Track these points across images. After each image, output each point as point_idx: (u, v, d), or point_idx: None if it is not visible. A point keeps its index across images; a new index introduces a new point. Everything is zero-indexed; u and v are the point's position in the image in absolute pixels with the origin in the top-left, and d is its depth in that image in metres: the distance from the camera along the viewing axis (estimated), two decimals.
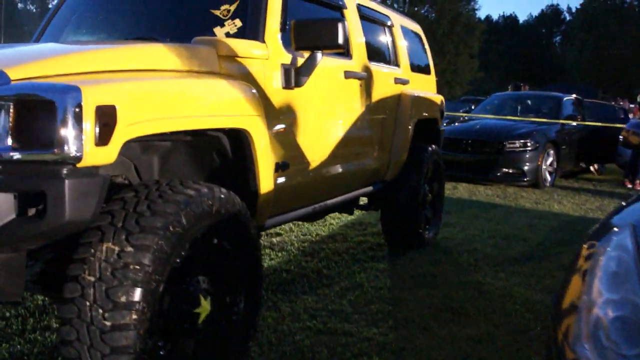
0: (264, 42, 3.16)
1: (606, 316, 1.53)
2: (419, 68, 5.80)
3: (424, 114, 5.47)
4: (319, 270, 4.64)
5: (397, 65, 5.21)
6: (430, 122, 5.72)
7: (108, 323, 2.08)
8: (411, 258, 5.10)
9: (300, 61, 3.32)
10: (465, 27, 42.98)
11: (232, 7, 3.29)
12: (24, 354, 3.04)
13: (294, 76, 3.26)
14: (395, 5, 42.58)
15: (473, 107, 16.88)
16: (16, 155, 2.02)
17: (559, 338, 1.56)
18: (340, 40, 3.17)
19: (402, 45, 5.35)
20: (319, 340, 3.29)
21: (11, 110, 2.01)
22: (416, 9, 42.36)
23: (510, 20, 69.59)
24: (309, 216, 4.02)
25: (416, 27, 6.12)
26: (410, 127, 5.10)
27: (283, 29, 3.33)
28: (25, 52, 2.61)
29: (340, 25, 3.16)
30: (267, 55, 3.14)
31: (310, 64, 3.27)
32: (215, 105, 2.69)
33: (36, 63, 2.24)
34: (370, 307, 3.85)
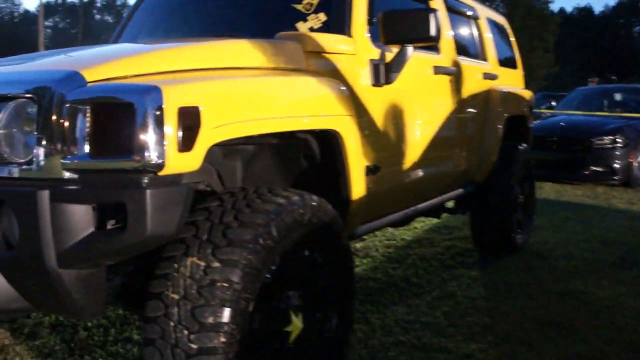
0: (351, 36, 2.94)
1: None
2: (506, 62, 5.46)
3: (514, 110, 5.13)
4: (407, 278, 4.39)
5: (485, 59, 4.91)
6: (519, 119, 5.37)
7: (194, 346, 1.89)
8: (503, 265, 4.78)
9: (389, 56, 3.09)
10: (538, 20, 41.73)
11: (315, 1, 3.08)
12: None
13: (383, 72, 3.03)
14: None
15: (554, 103, 16.20)
16: (94, 164, 1.86)
17: None
18: (433, 33, 2.92)
19: (489, 38, 5.04)
20: (413, 356, 3.05)
21: (88, 115, 1.86)
22: (487, 3, 41.50)
23: (585, 12, 67.23)
24: (400, 222, 3.78)
25: (501, 19, 5.79)
26: (500, 125, 4.79)
27: (370, 22, 3.10)
28: (101, 52, 2.48)
29: (432, 16, 2.92)
30: (355, 51, 2.92)
31: (400, 59, 3.03)
32: (304, 105, 2.48)
33: (113, 63, 2.08)
34: (465, 320, 3.57)
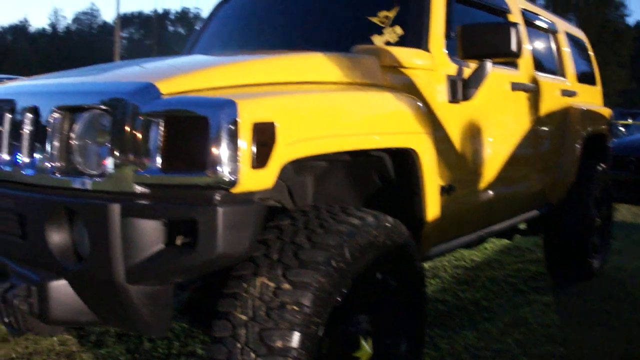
0: (428, 50, 2.84)
1: None
2: (584, 78, 5.23)
3: (593, 129, 4.90)
4: (477, 301, 4.22)
5: (564, 75, 4.71)
6: (598, 138, 5.13)
7: None
8: (578, 291, 4.55)
9: (467, 72, 2.97)
10: (613, 34, 40.48)
11: (392, 14, 2.99)
12: None
13: (461, 88, 2.91)
14: None
15: (630, 120, 15.60)
16: (166, 178, 1.82)
17: None
18: (514, 48, 2.80)
19: (568, 53, 4.84)
20: None
21: (161, 128, 1.82)
22: (559, 16, 40.45)
23: None
24: (473, 243, 3.63)
25: (580, 34, 5.56)
26: (578, 144, 4.57)
27: (448, 36, 2.99)
28: (175, 64, 2.45)
29: (514, 31, 2.79)
30: (432, 66, 2.81)
31: (479, 75, 2.91)
32: (380, 122, 2.39)
33: (187, 75, 2.04)
34: (540, 349, 3.39)
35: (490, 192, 3.38)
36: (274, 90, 2.10)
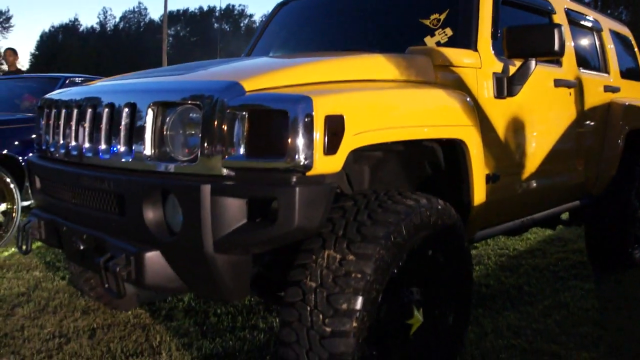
0: (476, 50, 3.08)
1: None
2: (629, 74, 5.36)
3: (636, 124, 5.03)
4: (519, 286, 4.44)
5: (607, 72, 4.86)
6: None
7: (328, 329, 2.10)
8: (619, 279, 4.70)
9: (512, 70, 3.19)
10: None
11: (442, 16, 3.24)
12: (235, 350, 3.20)
13: (507, 85, 3.14)
14: None
15: None
16: (249, 163, 2.12)
17: None
18: (557, 47, 3.01)
19: (612, 50, 4.99)
20: (525, 359, 3.13)
21: (245, 120, 2.11)
22: (609, 11, 39.75)
23: None
24: (515, 230, 3.85)
25: (625, 31, 5.68)
26: (620, 139, 4.71)
27: (494, 37, 3.22)
28: (255, 65, 2.75)
29: (557, 32, 3.00)
30: (479, 64, 3.05)
31: (523, 73, 3.13)
32: (433, 115, 2.65)
33: (267, 75, 2.34)
34: (578, 329, 3.58)
35: (532, 182, 3.59)
36: (342, 87, 2.38)
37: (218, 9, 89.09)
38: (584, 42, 4.65)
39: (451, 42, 3.14)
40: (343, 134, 2.11)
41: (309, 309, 2.14)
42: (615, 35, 5.27)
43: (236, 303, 3.89)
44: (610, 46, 4.99)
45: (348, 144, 2.15)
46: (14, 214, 5.65)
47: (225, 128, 2.11)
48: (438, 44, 3.16)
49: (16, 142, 5.82)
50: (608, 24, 5.17)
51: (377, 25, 3.60)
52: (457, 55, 2.95)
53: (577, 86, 4.12)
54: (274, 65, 2.69)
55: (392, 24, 3.53)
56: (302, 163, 2.03)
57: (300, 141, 2.02)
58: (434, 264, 2.57)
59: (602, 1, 40.21)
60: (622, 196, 4.80)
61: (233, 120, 2.11)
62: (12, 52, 9.56)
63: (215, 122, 2.13)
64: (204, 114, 2.16)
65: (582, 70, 4.30)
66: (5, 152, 5.69)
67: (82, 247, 2.57)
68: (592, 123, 4.45)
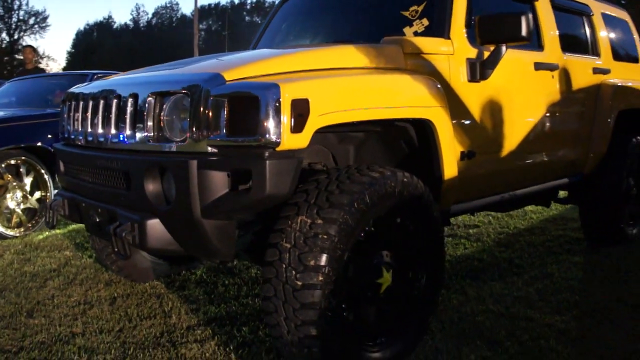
0: (449, 38, 3.38)
1: None
2: (624, 56, 5.57)
3: (628, 104, 5.25)
4: (511, 260, 4.73)
5: (597, 54, 5.09)
6: (636, 113, 5.47)
7: (299, 283, 2.45)
8: (609, 253, 4.94)
9: (487, 55, 3.48)
10: None
11: (420, 8, 3.55)
12: (237, 313, 3.57)
13: (479, 69, 3.43)
14: None
15: None
16: (229, 141, 2.48)
17: None
18: (524, 33, 3.27)
19: (603, 33, 5.20)
20: (499, 322, 3.42)
21: (226, 105, 2.47)
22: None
23: None
24: (499, 205, 4.12)
25: (622, 14, 5.87)
26: (610, 118, 4.94)
27: (468, 25, 3.51)
28: (237, 58, 3.11)
29: (523, 18, 3.26)
30: (452, 51, 3.35)
31: (494, 58, 3.42)
32: (399, 97, 2.97)
33: (245, 66, 2.69)
34: (556, 296, 3.86)
35: (513, 159, 3.88)
36: (310, 75, 2.72)
37: (249, 2, 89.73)
38: (572, 26, 4.89)
39: (427, 32, 3.44)
40: (308, 115, 2.46)
41: (284, 266, 2.49)
42: (609, 18, 5.48)
43: (243, 275, 4.29)
44: (601, 29, 5.20)
45: (313, 124, 2.49)
46: (47, 201, 6.12)
47: (209, 112, 2.48)
48: (416, 33, 3.47)
49: (49, 135, 6.27)
50: (601, 7, 5.37)
51: (364, 17, 3.93)
52: (427, 44, 3.26)
53: (561, 68, 4.37)
54: (254, 57, 3.03)
55: (377, 16, 3.86)
56: (272, 140, 2.39)
57: (271, 122, 2.38)
58: (403, 230, 2.90)
59: None
60: (613, 174, 5.04)
61: (215, 106, 2.47)
62: (31, 50, 9.95)
63: (201, 107, 2.49)
64: (192, 100, 2.53)
65: (568, 54, 4.54)
66: (39, 144, 6.15)
67: (98, 220, 2.98)
68: (580, 103, 4.70)
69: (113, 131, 2.92)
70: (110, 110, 2.94)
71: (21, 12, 63.38)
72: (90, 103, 3.14)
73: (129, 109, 2.80)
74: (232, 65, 2.71)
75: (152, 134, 2.69)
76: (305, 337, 2.47)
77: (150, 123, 2.69)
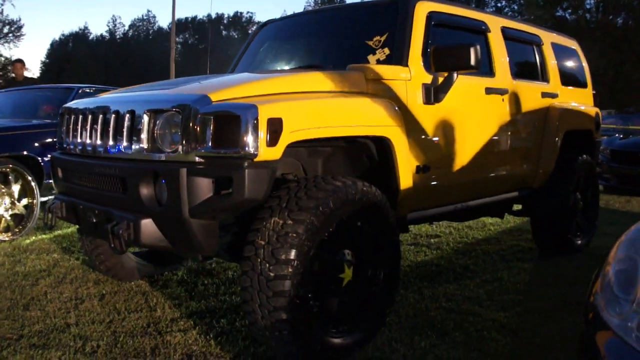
0: (407, 66, 3.84)
1: (613, 270, 2.03)
2: (572, 82, 6.10)
3: (574, 125, 5.76)
4: (466, 266, 5.19)
5: (546, 80, 5.60)
6: (583, 133, 5.99)
7: (272, 274, 2.86)
8: (558, 261, 5.42)
9: (440, 80, 3.95)
10: None
11: (382, 38, 4.01)
12: (216, 308, 3.98)
13: (434, 93, 3.89)
14: (588, 16, 40.89)
15: None
16: (215, 153, 2.90)
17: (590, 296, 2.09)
18: (472, 62, 3.73)
19: (552, 61, 5.72)
20: (449, 317, 3.86)
21: (212, 122, 2.90)
22: (611, 17, 40.31)
23: None
24: (454, 214, 4.58)
25: (571, 43, 6.41)
26: (557, 137, 5.44)
27: (425, 54, 3.98)
28: (221, 81, 3.54)
29: (472, 50, 3.73)
30: (409, 77, 3.81)
31: (447, 83, 3.89)
32: (360, 117, 3.42)
33: (228, 89, 3.13)
34: (503, 297, 4.32)
35: (465, 174, 4.34)
36: (284, 97, 3.17)
37: (226, 16, 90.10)
38: (522, 54, 5.41)
39: (388, 59, 3.91)
40: (282, 131, 2.90)
41: (259, 260, 2.91)
42: (559, 47, 6.01)
43: (221, 276, 4.69)
44: (550, 57, 5.73)
45: (286, 139, 2.94)
46: (34, 208, 6.46)
47: (198, 128, 2.91)
48: (378, 61, 3.93)
49: (35, 144, 6.62)
50: (550, 38, 5.90)
51: (333, 45, 4.40)
52: (387, 71, 3.72)
53: (511, 93, 4.87)
54: (236, 81, 3.46)
55: (345, 44, 4.33)
56: (250, 152, 2.83)
57: (250, 137, 2.81)
58: (363, 232, 3.33)
59: (604, 8, 40.82)
60: (561, 189, 5.54)
61: (203, 122, 2.90)
62: (21, 65, 10.37)
63: (191, 124, 2.92)
64: (182, 118, 2.96)
65: (519, 79, 5.04)
66: (25, 153, 6.49)
67: (94, 220, 3.37)
68: (529, 124, 5.20)
69: (111, 142, 3.32)
70: (108, 123, 3.34)
71: None
72: (90, 117, 3.54)
73: (126, 123, 3.21)
74: (217, 88, 3.14)
75: (146, 145, 3.11)
76: (277, 322, 2.89)
77: (145, 136, 3.11)
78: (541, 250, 5.80)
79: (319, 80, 3.47)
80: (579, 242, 5.84)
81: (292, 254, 2.85)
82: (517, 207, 5.83)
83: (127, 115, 3.22)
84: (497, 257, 5.57)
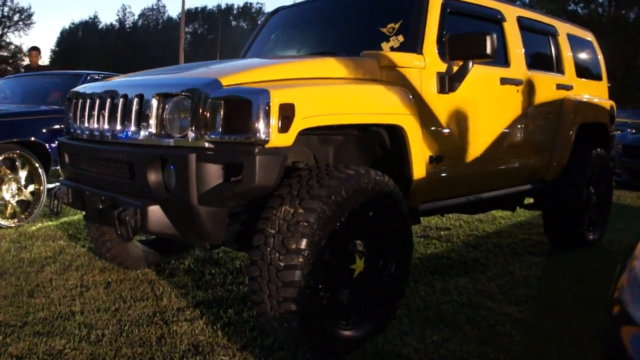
0: (421, 54, 3.75)
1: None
2: (587, 74, 6.00)
3: (588, 118, 5.66)
4: (477, 259, 5.11)
5: (561, 71, 5.50)
6: (597, 127, 5.89)
7: (282, 264, 2.79)
8: (569, 255, 5.35)
9: (455, 69, 3.86)
10: None
11: (397, 25, 3.92)
12: (223, 298, 3.92)
13: (448, 82, 3.80)
14: (600, 10, 40.57)
15: None
16: (225, 138, 2.82)
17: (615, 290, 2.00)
18: (488, 51, 3.64)
19: (567, 52, 5.62)
20: (461, 310, 3.79)
21: (222, 107, 2.82)
22: (623, 11, 39.99)
23: None
24: (466, 207, 4.49)
25: (587, 35, 6.30)
26: (572, 130, 5.35)
27: (439, 42, 3.89)
28: (232, 66, 3.46)
29: (488, 38, 3.63)
30: (424, 65, 3.73)
31: (462, 72, 3.80)
32: (374, 105, 3.34)
33: (239, 74, 3.05)
34: (515, 291, 4.25)
35: (478, 165, 4.26)
36: (297, 83, 3.08)
37: (236, 7, 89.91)
38: (538, 45, 5.30)
39: (402, 47, 3.82)
40: (294, 117, 2.82)
41: (268, 249, 2.83)
42: (574, 38, 5.90)
43: (228, 266, 4.63)
44: (565, 48, 5.62)
45: (298, 125, 2.85)
46: (40, 194, 6.41)
47: (208, 113, 2.83)
48: (392, 48, 3.85)
49: (43, 130, 6.56)
50: (566, 29, 5.80)
51: (347, 32, 4.30)
52: (401, 58, 3.63)
53: (526, 84, 4.77)
54: (248, 65, 3.38)
55: (359, 31, 4.24)
56: (262, 138, 2.74)
57: (261, 122, 2.73)
58: (375, 223, 3.26)
59: (616, 2, 40.49)
60: (574, 182, 5.45)
61: (213, 107, 2.82)
62: (37, 53, 10.34)
63: (200, 108, 2.84)
64: (192, 102, 2.88)
65: (534, 70, 4.95)
66: (32, 138, 6.44)
67: (100, 206, 3.30)
68: (544, 116, 5.10)
69: (119, 127, 3.25)
70: (116, 108, 3.27)
71: (5, 9, 63.26)
72: (97, 101, 3.47)
73: (135, 107, 3.14)
74: (228, 72, 3.06)
75: (155, 130, 3.03)
76: (286, 313, 2.82)
77: (153, 120, 3.03)
78: (553, 245, 5.71)
79: (332, 66, 3.39)
80: (591, 236, 5.75)
81: (303, 243, 2.78)
82: (527, 200, 5.74)
83: (136, 99, 3.15)
84: (508, 250, 5.49)
